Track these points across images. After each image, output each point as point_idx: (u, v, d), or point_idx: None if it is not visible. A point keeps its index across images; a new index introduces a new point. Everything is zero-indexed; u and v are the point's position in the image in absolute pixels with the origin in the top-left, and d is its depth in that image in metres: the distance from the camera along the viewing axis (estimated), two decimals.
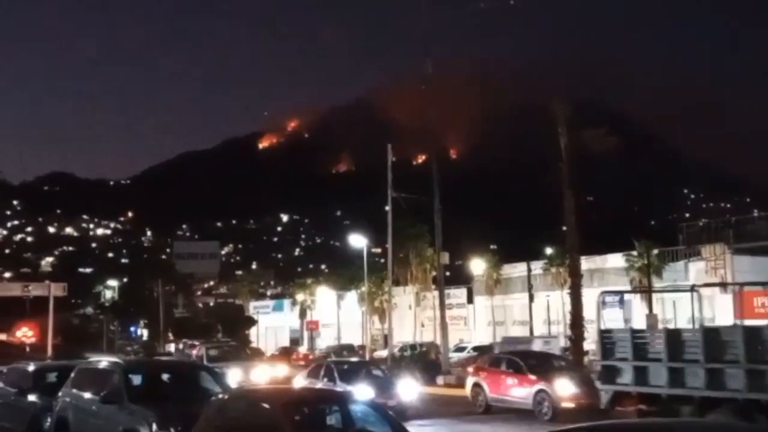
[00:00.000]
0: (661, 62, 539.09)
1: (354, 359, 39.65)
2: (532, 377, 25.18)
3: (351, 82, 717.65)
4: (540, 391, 24.55)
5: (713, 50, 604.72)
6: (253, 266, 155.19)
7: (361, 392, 22.67)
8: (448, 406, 28.42)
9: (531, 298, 54.68)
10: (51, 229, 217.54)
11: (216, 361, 32.46)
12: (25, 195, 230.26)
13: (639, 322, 52.98)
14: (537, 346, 49.35)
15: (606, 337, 20.83)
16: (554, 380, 24.50)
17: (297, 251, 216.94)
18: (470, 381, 27.90)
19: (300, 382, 27.88)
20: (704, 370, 17.72)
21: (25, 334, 53.93)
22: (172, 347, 58.41)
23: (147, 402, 13.68)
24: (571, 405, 23.66)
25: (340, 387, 24.09)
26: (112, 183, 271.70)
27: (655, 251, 54.20)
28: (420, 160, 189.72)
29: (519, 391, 25.57)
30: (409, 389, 26.08)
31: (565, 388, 24.19)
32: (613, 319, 58.00)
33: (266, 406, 10.76)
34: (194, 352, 45.57)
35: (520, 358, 27.24)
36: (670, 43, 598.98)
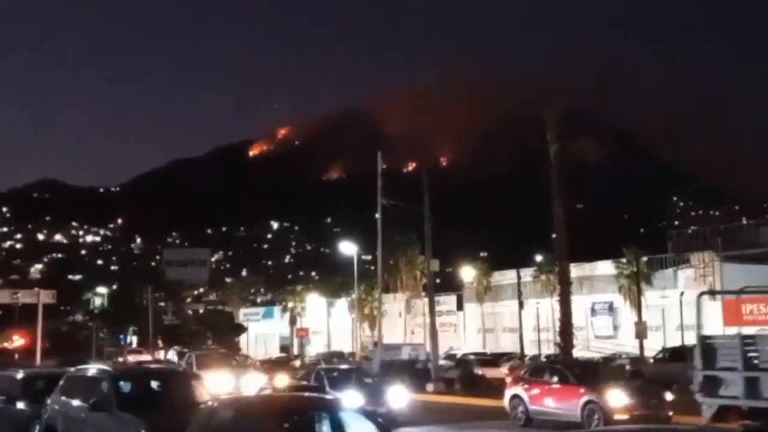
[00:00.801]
0: (652, 69, 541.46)
1: (344, 366, 39.33)
2: (580, 387, 23.36)
3: (342, 90, 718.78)
4: (589, 402, 22.72)
5: (705, 58, 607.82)
6: (243, 273, 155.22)
7: (351, 399, 22.35)
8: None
9: (521, 306, 54.76)
10: (40, 236, 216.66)
11: (205, 368, 32.28)
12: (14, 202, 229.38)
13: (628, 330, 53.25)
14: (405, 353, 50.01)
15: (707, 344, 19.02)
16: (605, 390, 22.73)
17: (287, 258, 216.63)
18: (509, 392, 25.93)
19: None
20: None
21: (13, 341, 54.00)
22: (171, 354, 58.17)
23: (136, 410, 13.65)
24: (624, 416, 21.84)
25: (329, 394, 23.71)
26: (101, 190, 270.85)
27: (645, 259, 54.41)
28: (410, 168, 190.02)
29: (565, 402, 23.61)
30: (398, 396, 25.77)
31: (617, 399, 22.44)
32: (602, 327, 58.56)
33: (255, 414, 10.78)
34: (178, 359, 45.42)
35: (565, 367, 25.81)
36: (662, 52, 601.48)
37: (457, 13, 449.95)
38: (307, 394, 23.04)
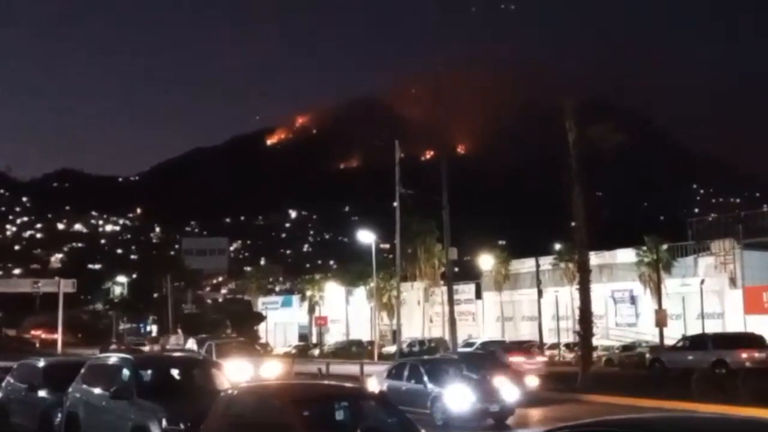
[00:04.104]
0: (673, 57, 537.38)
1: (439, 356, 35.18)
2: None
3: (360, 78, 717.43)
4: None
5: (727, 43, 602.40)
6: (262, 262, 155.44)
7: (458, 395, 21.25)
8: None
9: (540, 294, 54.64)
10: (60, 226, 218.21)
11: (225, 356, 32.39)
12: (35, 192, 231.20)
13: (648, 318, 53.05)
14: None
15: None
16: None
17: (305, 247, 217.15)
18: None
19: (374, 384, 24.97)
20: None
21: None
22: (190, 343, 58.56)
23: (157, 397, 13.69)
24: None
25: (430, 390, 21.92)
26: (121, 179, 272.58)
27: (665, 246, 54.13)
28: (428, 156, 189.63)
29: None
30: (509, 392, 22.42)
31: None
32: (622, 315, 58.38)
33: (275, 401, 10.77)
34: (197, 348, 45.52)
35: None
36: (684, 38, 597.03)
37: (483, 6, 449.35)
38: (326, 381, 22.57)
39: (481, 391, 21.57)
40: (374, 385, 24.61)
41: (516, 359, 38.10)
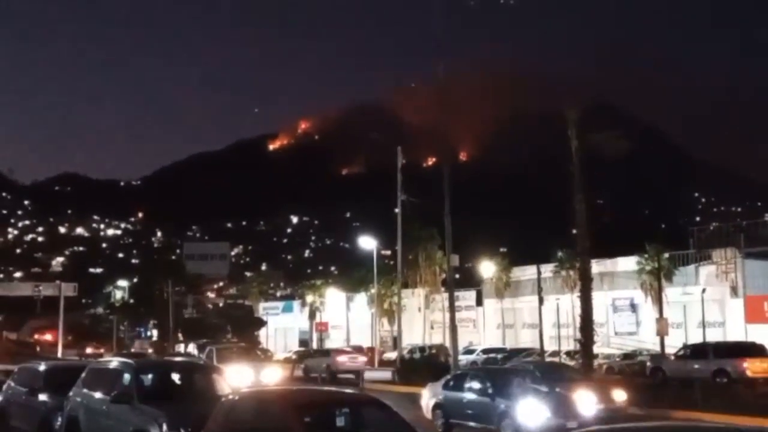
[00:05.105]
0: (674, 64, 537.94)
1: (507, 365, 32.03)
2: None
3: (362, 84, 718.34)
4: None
5: (729, 51, 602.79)
6: (263, 267, 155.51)
7: (531, 410, 18.93)
8: None
9: (540, 301, 54.55)
10: (62, 230, 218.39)
11: (225, 362, 32.39)
12: (36, 195, 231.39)
13: (649, 326, 52.98)
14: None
15: None
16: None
17: (307, 253, 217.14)
18: None
19: (428, 395, 22.82)
20: None
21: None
22: (191, 348, 58.83)
23: (157, 402, 13.72)
24: None
25: (498, 403, 19.54)
26: (122, 183, 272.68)
27: (666, 255, 54.05)
28: (430, 162, 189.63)
29: None
30: (587, 407, 20.18)
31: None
32: (623, 323, 58.29)
33: (276, 407, 10.78)
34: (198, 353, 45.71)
35: None
36: (684, 45, 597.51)
37: (477, 10, 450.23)
38: (327, 387, 22.14)
39: (556, 405, 19.20)
40: (428, 396, 22.72)
41: (340, 358, 45.78)
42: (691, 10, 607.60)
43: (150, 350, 74.04)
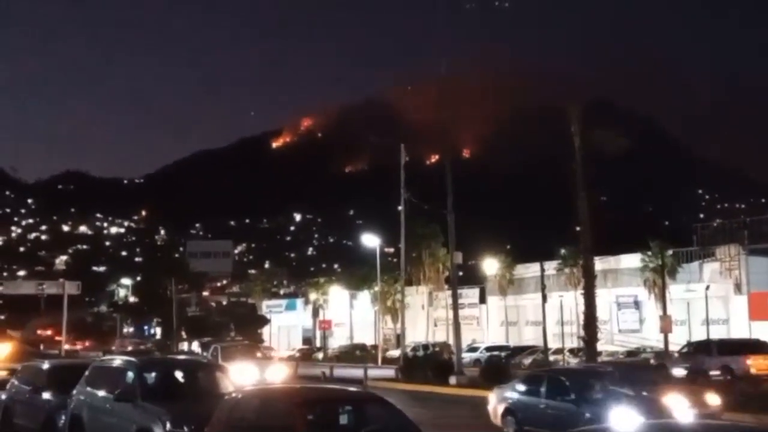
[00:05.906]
0: (677, 61, 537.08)
1: (585, 366, 28.13)
2: None
3: (365, 81, 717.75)
4: None
5: (732, 48, 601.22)
6: (266, 265, 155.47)
7: (620, 417, 16.28)
8: None
9: (544, 299, 54.50)
10: (65, 228, 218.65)
11: (229, 360, 32.40)
12: (40, 193, 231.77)
13: (653, 323, 52.95)
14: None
15: None
16: None
17: (310, 250, 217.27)
18: None
19: (495, 399, 20.91)
20: None
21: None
22: (195, 346, 58.86)
23: (161, 400, 13.72)
24: None
25: (583, 410, 17.29)
26: (125, 182, 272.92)
27: (670, 252, 53.99)
28: (433, 159, 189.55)
29: None
30: (684, 412, 17.51)
31: None
32: (627, 321, 58.27)
33: (280, 405, 10.78)
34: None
35: None
36: (687, 42, 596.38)
37: (481, 6, 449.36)
38: (330, 385, 22.04)
39: (649, 411, 16.67)
40: (495, 400, 20.80)
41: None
42: (691, 10, 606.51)
43: (130, 348, 74.31)
